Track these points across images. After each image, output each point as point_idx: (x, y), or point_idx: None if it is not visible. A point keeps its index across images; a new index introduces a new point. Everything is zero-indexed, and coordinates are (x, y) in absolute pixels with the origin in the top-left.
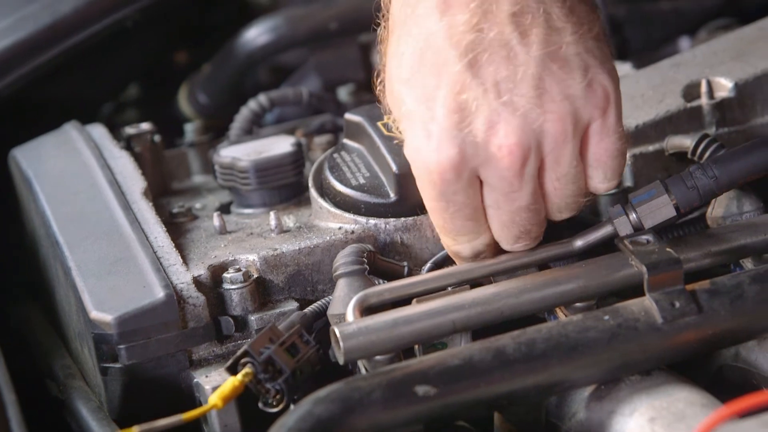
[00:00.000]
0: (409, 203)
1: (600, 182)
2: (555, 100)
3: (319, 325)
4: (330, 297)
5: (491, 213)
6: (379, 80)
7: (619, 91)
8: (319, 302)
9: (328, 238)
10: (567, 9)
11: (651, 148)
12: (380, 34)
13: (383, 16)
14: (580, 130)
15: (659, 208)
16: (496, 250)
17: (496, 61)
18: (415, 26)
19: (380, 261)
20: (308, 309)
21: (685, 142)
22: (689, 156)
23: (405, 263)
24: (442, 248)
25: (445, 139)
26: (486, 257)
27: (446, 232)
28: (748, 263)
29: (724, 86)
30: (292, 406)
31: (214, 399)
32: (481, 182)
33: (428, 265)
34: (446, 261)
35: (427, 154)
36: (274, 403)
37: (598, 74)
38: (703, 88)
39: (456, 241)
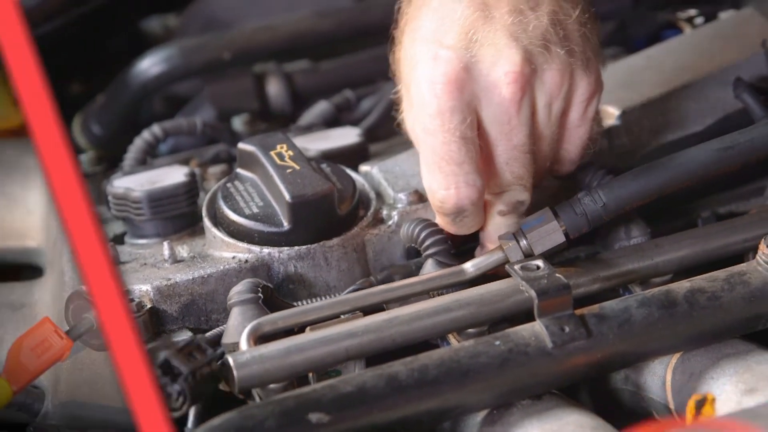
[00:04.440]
0: (303, 232)
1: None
2: (559, 55)
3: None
4: (225, 326)
5: (489, 153)
6: (395, 45)
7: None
8: (213, 331)
9: (222, 267)
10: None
11: None
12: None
13: None
14: (569, 99)
15: (549, 235)
16: (478, 207)
17: (507, 15)
18: None
19: (277, 300)
20: (205, 336)
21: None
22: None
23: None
24: (339, 277)
25: (453, 57)
26: (465, 218)
27: (435, 164)
28: (636, 287)
29: (611, 114)
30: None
31: None
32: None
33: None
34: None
35: (435, 68)
36: (177, 406)
37: (592, 60)
38: None
39: (444, 178)
